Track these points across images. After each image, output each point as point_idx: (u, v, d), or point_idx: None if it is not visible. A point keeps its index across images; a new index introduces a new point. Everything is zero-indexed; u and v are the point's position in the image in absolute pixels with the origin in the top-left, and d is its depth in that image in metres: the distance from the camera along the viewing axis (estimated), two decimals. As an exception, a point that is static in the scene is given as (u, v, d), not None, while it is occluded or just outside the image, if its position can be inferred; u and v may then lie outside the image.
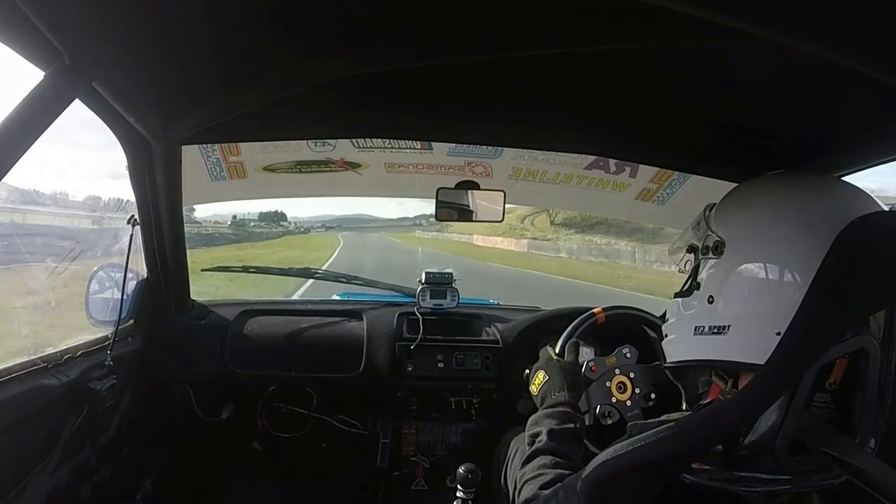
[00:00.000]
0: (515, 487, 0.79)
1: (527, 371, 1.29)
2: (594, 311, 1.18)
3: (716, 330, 0.62)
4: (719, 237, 0.64)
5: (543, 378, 0.97)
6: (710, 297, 0.63)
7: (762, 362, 0.55)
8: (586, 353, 1.47)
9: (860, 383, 0.54)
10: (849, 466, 0.50)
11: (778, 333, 0.54)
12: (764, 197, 0.64)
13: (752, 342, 0.58)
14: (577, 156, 1.59)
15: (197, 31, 0.70)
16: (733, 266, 0.61)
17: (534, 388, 0.98)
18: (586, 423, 1.09)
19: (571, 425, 0.84)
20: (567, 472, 0.73)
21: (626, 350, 1.13)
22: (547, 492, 0.68)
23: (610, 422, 1.09)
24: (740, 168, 0.99)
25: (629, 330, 1.23)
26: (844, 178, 0.64)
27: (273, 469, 1.64)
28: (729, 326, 0.61)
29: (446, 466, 1.57)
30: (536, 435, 0.83)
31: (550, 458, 0.77)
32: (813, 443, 0.52)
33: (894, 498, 0.47)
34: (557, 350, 1.09)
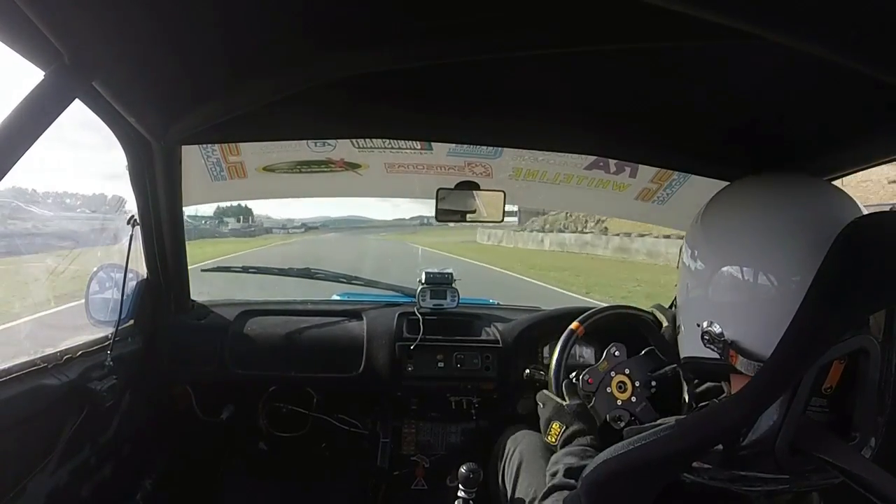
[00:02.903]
0: None
1: (527, 371, 1.29)
2: (572, 326, 1.19)
3: (678, 331, 0.68)
4: (684, 243, 0.69)
5: (560, 428, 0.97)
6: (676, 303, 0.69)
7: (695, 353, 0.62)
8: (587, 354, 1.48)
9: (860, 383, 0.54)
10: (843, 470, 0.50)
11: (698, 325, 0.60)
12: (718, 200, 0.67)
13: (687, 335, 0.64)
14: (577, 156, 1.59)
15: (197, 32, 0.70)
16: (683, 267, 0.67)
17: (552, 440, 0.98)
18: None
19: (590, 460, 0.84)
20: None
21: (613, 349, 1.12)
22: None
23: (622, 424, 1.08)
24: (740, 168, 0.99)
25: (615, 328, 1.23)
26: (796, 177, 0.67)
27: (273, 469, 1.64)
28: (681, 325, 0.67)
29: (446, 466, 1.57)
30: (554, 474, 0.83)
31: (566, 493, 0.77)
32: (808, 446, 0.52)
33: (888, 500, 0.47)
34: (554, 389, 1.09)
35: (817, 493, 0.56)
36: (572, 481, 0.79)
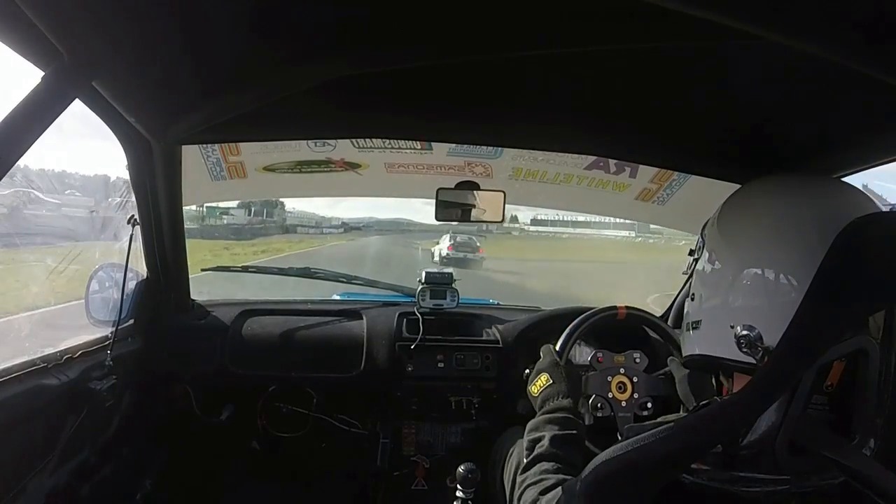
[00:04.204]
0: (514, 492, 0.78)
1: (527, 371, 1.29)
2: (618, 305, 1.17)
3: (694, 326, 0.66)
4: (702, 239, 0.68)
5: (546, 381, 0.95)
6: (692, 295, 0.68)
7: (722, 355, 0.59)
8: (585, 353, 1.48)
9: (859, 384, 0.54)
10: (846, 468, 0.50)
11: (732, 327, 0.58)
12: (734, 200, 0.67)
13: (712, 334, 0.62)
14: (577, 156, 1.60)
15: (197, 31, 0.70)
16: (702, 264, 0.66)
17: (534, 390, 0.96)
18: (586, 422, 1.08)
19: (573, 431, 0.83)
20: (568, 477, 0.73)
21: (636, 355, 1.13)
22: (548, 496, 0.68)
23: (599, 414, 1.09)
24: (740, 168, 0.99)
25: (642, 337, 1.23)
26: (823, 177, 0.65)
27: (273, 469, 1.64)
28: (701, 321, 0.65)
29: (446, 466, 1.57)
30: (538, 440, 0.82)
31: (552, 465, 0.76)
32: (810, 444, 0.52)
33: (890, 498, 0.47)
34: (559, 347, 1.08)
35: (796, 500, 0.56)
36: (557, 451, 0.78)
